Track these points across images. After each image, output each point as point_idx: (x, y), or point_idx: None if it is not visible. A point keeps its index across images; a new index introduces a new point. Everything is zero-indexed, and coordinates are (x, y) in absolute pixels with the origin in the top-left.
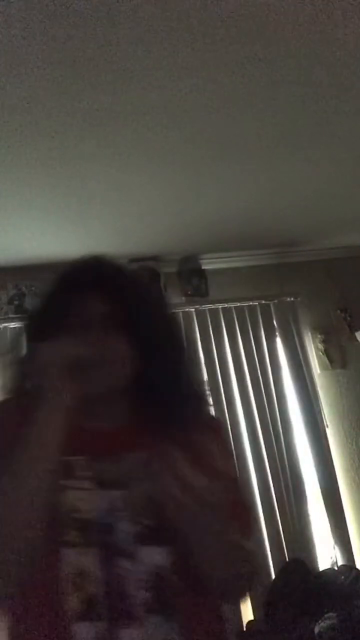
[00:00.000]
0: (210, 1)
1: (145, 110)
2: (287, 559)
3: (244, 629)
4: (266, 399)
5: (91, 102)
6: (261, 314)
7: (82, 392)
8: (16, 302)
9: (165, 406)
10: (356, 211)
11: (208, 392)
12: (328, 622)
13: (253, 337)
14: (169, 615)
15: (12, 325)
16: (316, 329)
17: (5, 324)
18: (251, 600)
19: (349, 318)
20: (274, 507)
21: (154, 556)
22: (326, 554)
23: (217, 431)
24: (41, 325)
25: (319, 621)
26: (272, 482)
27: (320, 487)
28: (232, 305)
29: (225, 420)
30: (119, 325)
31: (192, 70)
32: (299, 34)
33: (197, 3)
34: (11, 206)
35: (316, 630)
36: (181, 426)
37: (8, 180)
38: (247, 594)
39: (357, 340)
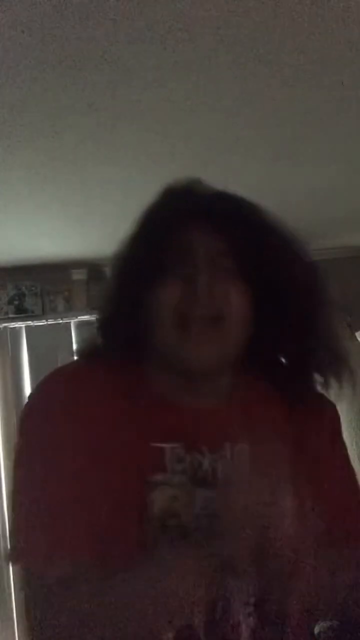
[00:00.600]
0: (210, 1)
1: (145, 110)
2: None
3: None
4: None
5: (91, 102)
6: None
7: (191, 358)
8: (16, 302)
9: (293, 382)
10: (356, 211)
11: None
12: (328, 622)
13: None
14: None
15: (12, 325)
16: None
17: (5, 324)
18: None
19: (349, 318)
20: None
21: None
22: None
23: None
24: (130, 273)
25: (319, 621)
26: None
27: None
28: None
29: None
30: (236, 269)
31: (192, 70)
32: (299, 34)
33: (197, 3)
34: (11, 206)
35: (316, 630)
36: (305, 409)
37: (8, 180)
38: None
39: (357, 340)
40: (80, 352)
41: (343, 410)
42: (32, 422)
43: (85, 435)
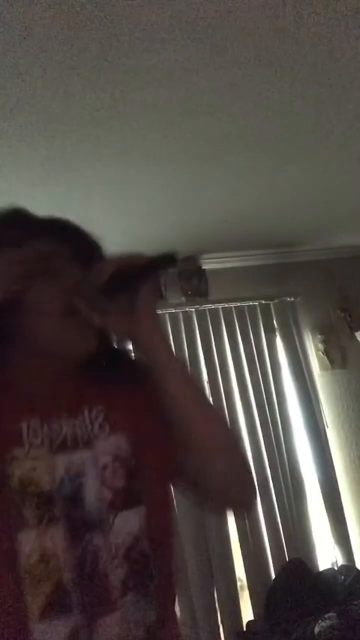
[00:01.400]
0: (210, 1)
1: (145, 110)
2: (287, 559)
3: (244, 629)
4: (266, 399)
5: (91, 102)
6: (261, 314)
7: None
8: None
9: (118, 365)
10: (356, 211)
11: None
12: (328, 622)
13: (253, 337)
14: (145, 591)
15: None
16: (316, 329)
17: None
18: (251, 600)
19: (349, 318)
20: (274, 507)
21: (127, 523)
22: (326, 554)
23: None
24: None
25: (319, 621)
26: (272, 482)
27: (320, 487)
28: (232, 305)
29: None
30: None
31: (192, 70)
32: (299, 35)
33: (197, 3)
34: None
35: (316, 630)
36: (128, 383)
37: (8, 180)
38: (254, 500)
39: (357, 340)
40: None
41: (344, 411)
42: None
43: None
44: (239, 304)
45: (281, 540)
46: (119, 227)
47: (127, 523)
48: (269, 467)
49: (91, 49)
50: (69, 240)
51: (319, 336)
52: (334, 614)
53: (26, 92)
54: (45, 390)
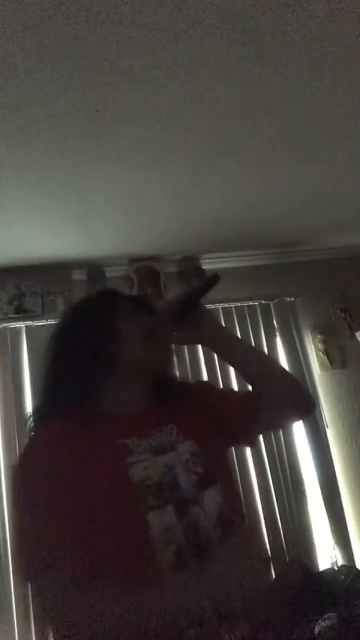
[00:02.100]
0: (210, 1)
1: (145, 110)
2: (287, 559)
3: None
4: None
5: (91, 102)
6: (261, 314)
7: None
8: (16, 302)
9: (174, 391)
10: (356, 211)
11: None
12: (328, 622)
13: (253, 337)
14: (233, 540)
15: (12, 325)
16: (316, 329)
17: (5, 324)
18: None
19: (349, 318)
20: (274, 507)
21: (214, 496)
22: (326, 554)
23: (211, 388)
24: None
25: (319, 621)
26: (272, 482)
27: (320, 487)
28: (232, 305)
29: None
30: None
31: (192, 70)
32: (299, 35)
33: (197, 3)
34: (11, 206)
35: (316, 630)
36: (185, 402)
37: (8, 180)
38: (308, 407)
39: (357, 340)
40: (38, 418)
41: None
42: (29, 477)
43: (73, 470)
44: (239, 304)
45: (281, 540)
46: (119, 227)
47: (213, 496)
48: (269, 467)
49: (91, 49)
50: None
51: (319, 336)
52: (334, 614)
53: (26, 92)
54: (134, 415)
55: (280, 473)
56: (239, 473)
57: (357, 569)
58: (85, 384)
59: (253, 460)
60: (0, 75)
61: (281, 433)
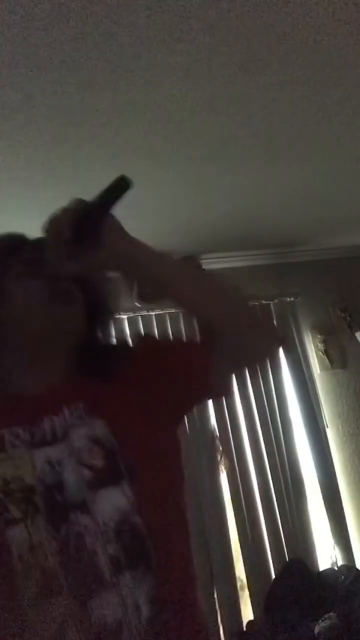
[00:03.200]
0: (210, 1)
1: (145, 110)
2: (287, 559)
3: (244, 629)
4: (266, 400)
5: (91, 102)
6: (261, 314)
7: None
8: None
9: (100, 360)
10: (356, 211)
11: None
12: (328, 622)
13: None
14: (142, 569)
15: None
16: (316, 329)
17: None
18: (251, 600)
19: (349, 318)
20: (274, 507)
21: (113, 499)
22: (326, 554)
23: (149, 342)
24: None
25: (319, 621)
26: (272, 482)
27: (320, 487)
28: None
29: (225, 420)
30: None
31: (192, 70)
32: (298, 35)
33: (197, 3)
34: (11, 206)
35: (316, 630)
36: (108, 376)
37: (8, 181)
38: (272, 347)
39: (357, 340)
40: None
41: (344, 411)
42: None
43: None
44: None
45: (281, 540)
46: None
47: (112, 499)
48: (269, 466)
49: (91, 49)
50: (41, 247)
51: (319, 336)
52: (334, 614)
53: (26, 92)
54: (29, 393)
55: (280, 473)
56: (239, 472)
57: (357, 569)
58: None
59: (253, 460)
60: (0, 75)
61: (281, 433)
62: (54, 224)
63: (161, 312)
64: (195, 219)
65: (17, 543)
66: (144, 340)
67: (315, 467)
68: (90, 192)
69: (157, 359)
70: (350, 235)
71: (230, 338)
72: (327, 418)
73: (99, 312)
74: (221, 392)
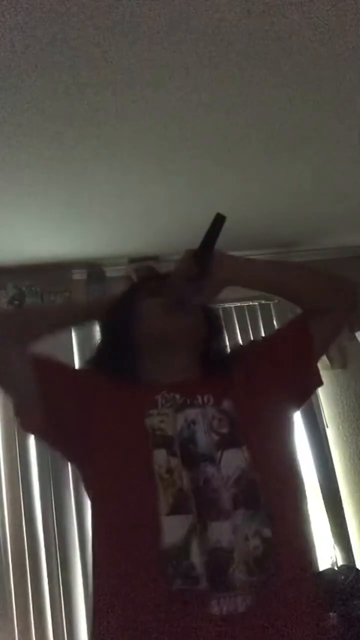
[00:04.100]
0: (210, 1)
1: (145, 110)
2: None
3: None
4: None
5: (91, 102)
6: (261, 314)
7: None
8: (16, 302)
9: (220, 365)
10: (355, 211)
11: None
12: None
13: (253, 337)
14: (256, 509)
15: None
16: None
17: None
18: None
19: None
20: None
21: (235, 458)
22: (326, 554)
23: (256, 346)
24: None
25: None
26: None
27: (320, 487)
28: (232, 305)
29: None
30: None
31: (192, 70)
32: (298, 35)
33: (197, 3)
34: (12, 206)
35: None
36: (232, 373)
37: (8, 180)
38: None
39: (357, 340)
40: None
41: (344, 411)
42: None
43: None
44: (239, 304)
45: None
46: (119, 227)
47: (234, 458)
48: None
49: (91, 49)
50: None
51: None
52: (334, 614)
53: (26, 92)
54: (171, 380)
55: None
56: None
57: (357, 569)
58: (120, 362)
59: None
60: (1, 75)
61: None
62: (180, 268)
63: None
64: (195, 219)
65: (158, 463)
66: (253, 342)
67: (315, 467)
68: (90, 192)
69: (266, 350)
70: (350, 235)
71: (328, 305)
72: (327, 418)
73: (213, 320)
74: (319, 377)
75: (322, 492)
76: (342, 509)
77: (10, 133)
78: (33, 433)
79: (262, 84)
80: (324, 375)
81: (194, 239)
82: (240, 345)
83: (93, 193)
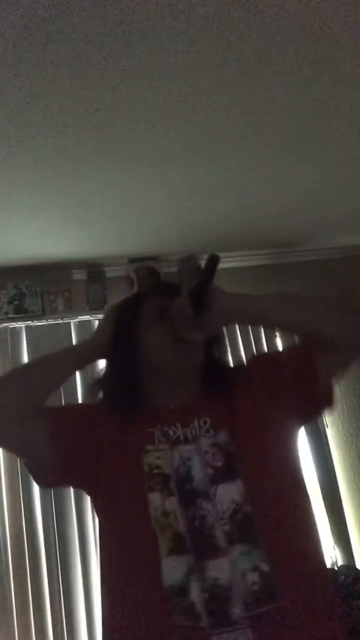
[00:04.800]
0: (210, 1)
1: (145, 110)
2: None
3: None
4: None
5: (91, 102)
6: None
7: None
8: (16, 302)
9: (221, 382)
10: (355, 211)
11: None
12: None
13: (253, 337)
14: (252, 544)
15: (12, 325)
16: None
17: (5, 324)
18: None
19: None
20: None
21: (229, 492)
22: (326, 554)
23: (260, 361)
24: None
25: None
26: None
27: (320, 487)
28: None
29: None
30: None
31: (192, 70)
32: (299, 35)
33: (197, 3)
34: (11, 206)
35: None
36: (229, 394)
37: (8, 180)
38: None
39: None
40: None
41: (344, 411)
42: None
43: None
44: None
45: None
46: (119, 227)
47: (228, 492)
48: None
49: (91, 50)
50: (161, 295)
51: None
52: None
53: (26, 92)
54: (168, 408)
55: None
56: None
57: (357, 569)
58: (121, 388)
59: None
60: (1, 75)
61: None
62: (177, 308)
63: None
64: (195, 219)
65: (154, 507)
66: (256, 359)
67: (315, 467)
68: (90, 192)
69: (268, 372)
70: (350, 235)
71: (335, 341)
72: (327, 418)
73: (215, 343)
74: (329, 399)
75: (322, 492)
76: (342, 509)
77: (10, 134)
78: (50, 487)
79: (262, 84)
80: None
81: (194, 239)
82: (244, 362)
83: (93, 193)
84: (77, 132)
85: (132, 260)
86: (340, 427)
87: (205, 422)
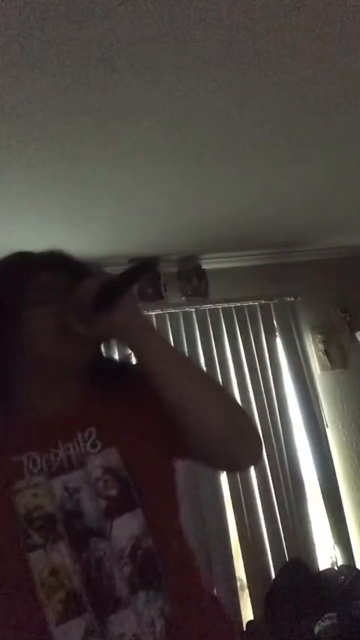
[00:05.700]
0: (210, 1)
1: (145, 110)
2: (287, 559)
3: (244, 629)
4: (266, 399)
5: (91, 102)
6: (261, 314)
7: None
8: None
9: (109, 382)
10: (355, 211)
11: None
12: (328, 622)
13: (253, 337)
14: (157, 586)
15: None
16: (316, 329)
17: None
18: (251, 600)
19: (349, 318)
20: (274, 507)
21: (128, 526)
22: (326, 554)
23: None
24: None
25: (319, 621)
26: (272, 482)
27: (320, 487)
28: (232, 305)
29: None
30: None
31: (192, 70)
32: (299, 35)
33: (197, 3)
34: (12, 206)
35: (316, 630)
36: (121, 395)
37: (8, 181)
38: (259, 455)
39: (357, 340)
40: None
41: (344, 411)
42: None
43: None
44: (239, 304)
45: (281, 540)
46: (119, 227)
47: (126, 526)
48: (269, 467)
49: (91, 49)
50: (62, 271)
51: (319, 336)
52: (334, 614)
53: (26, 92)
54: (44, 414)
55: (280, 473)
56: (238, 472)
57: (357, 569)
58: None
59: None
60: (1, 75)
61: (281, 433)
62: (82, 290)
63: (161, 312)
64: (195, 219)
65: (37, 570)
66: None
67: (315, 467)
68: (90, 192)
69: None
70: (350, 235)
71: (219, 442)
72: (327, 418)
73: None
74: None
75: (322, 492)
76: (342, 509)
77: (10, 133)
78: None
79: (262, 84)
80: (324, 375)
81: (194, 239)
82: (132, 365)
83: (93, 193)
84: (77, 133)
85: (132, 260)
86: (340, 427)
87: (90, 434)
